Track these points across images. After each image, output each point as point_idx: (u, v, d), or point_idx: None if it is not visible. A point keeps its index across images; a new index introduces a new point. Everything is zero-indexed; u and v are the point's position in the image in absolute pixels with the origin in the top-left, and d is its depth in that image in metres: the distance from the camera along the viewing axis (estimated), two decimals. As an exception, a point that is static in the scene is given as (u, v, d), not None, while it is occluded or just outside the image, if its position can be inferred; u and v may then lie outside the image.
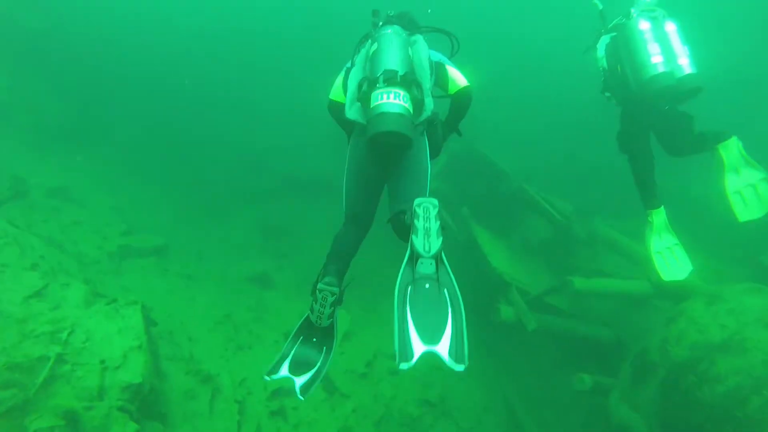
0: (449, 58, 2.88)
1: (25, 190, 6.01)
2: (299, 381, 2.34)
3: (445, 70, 2.71)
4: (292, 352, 2.43)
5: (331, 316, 2.44)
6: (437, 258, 2.17)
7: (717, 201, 4.34)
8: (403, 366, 1.86)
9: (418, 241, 2.17)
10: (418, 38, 2.72)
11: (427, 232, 2.20)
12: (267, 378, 2.32)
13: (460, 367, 1.84)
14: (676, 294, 4.92)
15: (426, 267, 2.15)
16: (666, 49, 3.93)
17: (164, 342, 4.08)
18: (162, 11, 13.29)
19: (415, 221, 2.24)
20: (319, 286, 2.40)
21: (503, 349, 5.67)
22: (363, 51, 2.68)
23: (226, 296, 5.64)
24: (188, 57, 12.26)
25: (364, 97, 2.38)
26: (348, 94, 2.61)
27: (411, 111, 2.33)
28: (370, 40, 2.65)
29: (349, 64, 2.75)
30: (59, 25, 10.26)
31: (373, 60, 2.47)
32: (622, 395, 4.32)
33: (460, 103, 2.70)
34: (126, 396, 2.93)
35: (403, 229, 2.42)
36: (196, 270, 5.97)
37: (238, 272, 6.26)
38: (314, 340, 2.51)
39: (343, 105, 2.64)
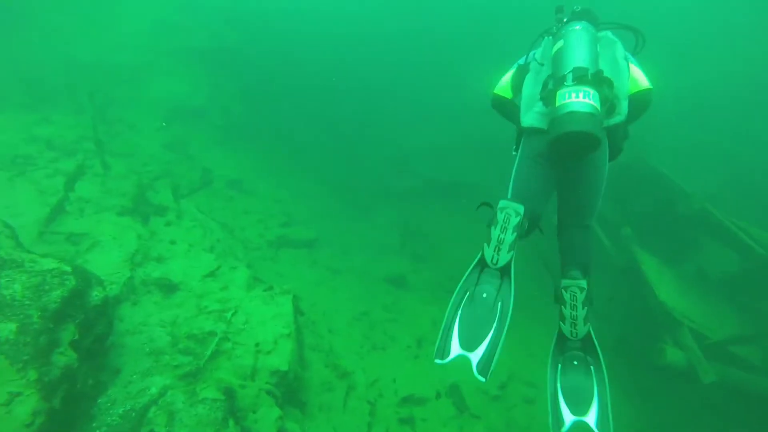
0: (633, 56, 2.56)
1: (210, 180, 7.01)
2: (475, 358, 2.08)
3: (627, 68, 2.43)
4: (458, 318, 2.19)
5: (513, 246, 2.23)
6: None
7: None
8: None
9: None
10: (608, 34, 2.50)
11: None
12: (439, 362, 2.11)
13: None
14: None
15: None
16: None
17: (308, 331, 4.33)
18: (323, 22, 14.41)
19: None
20: (502, 203, 2.28)
21: (660, 398, 4.84)
22: (543, 48, 2.54)
23: (365, 293, 5.82)
24: (352, 60, 13.08)
25: (549, 95, 2.24)
26: (524, 95, 2.47)
27: (600, 111, 2.16)
28: (552, 37, 2.48)
29: (522, 61, 2.61)
30: (249, 41, 11.81)
31: (559, 57, 2.30)
32: None
33: (637, 105, 2.41)
34: (274, 380, 3.14)
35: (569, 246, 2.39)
36: (341, 264, 6.28)
37: (377, 270, 6.44)
38: (485, 295, 2.24)
39: (508, 100, 2.57)
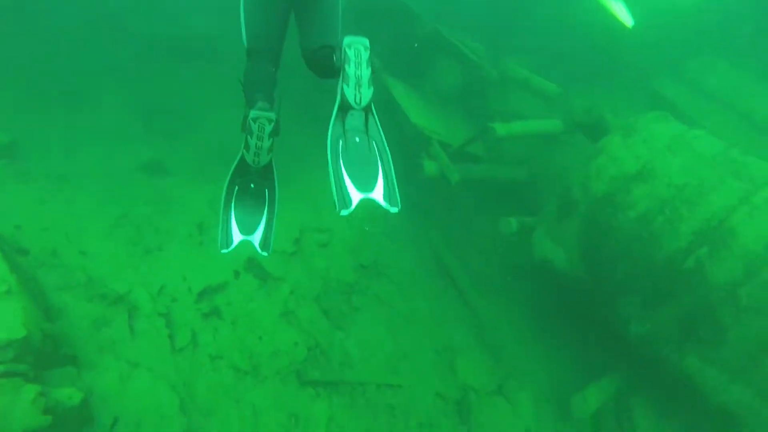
0: None
1: None
2: (256, 239, 2.31)
3: None
4: (233, 210, 2.33)
5: (271, 149, 2.29)
6: (367, 110, 2.24)
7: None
8: (344, 212, 2.08)
9: (349, 91, 2.17)
10: None
11: (359, 81, 2.18)
12: (224, 251, 2.30)
13: (394, 209, 2.12)
14: (591, 128, 5.04)
15: (356, 120, 2.22)
16: None
17: (47, 269, 3.38)
18: None
19: (346, 67, 2.17)
20: (252, 114, 2.18)
21: (429, 205, 5.68)
22: None
23: (116, 193, 4.80)
24: None
25: None
26: None
27: None
28: None
29: None
30: None
31: None
32: (546, 232, 4.59)
33: None
34: (9, 357, 2.38)
35: (324, 66, 2.35)
36: (68, 169, 4.91)
37: (122, 163, 5.30)
38: (252, 186, 2.38)
39: None
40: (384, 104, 6.22)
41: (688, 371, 3.59)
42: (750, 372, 3.35)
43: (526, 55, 7.58)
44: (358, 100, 2.20)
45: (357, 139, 2.21)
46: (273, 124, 2.20)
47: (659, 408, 3.92)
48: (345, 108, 2.21)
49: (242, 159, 2.29)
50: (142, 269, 3.86)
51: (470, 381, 4.03)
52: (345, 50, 2.18)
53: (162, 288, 3.76)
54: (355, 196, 2.10)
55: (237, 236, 2.27)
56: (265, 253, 2.28)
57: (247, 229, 2.30)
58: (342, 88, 2.19)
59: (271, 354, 3.64)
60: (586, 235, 4.22)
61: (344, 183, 2.12)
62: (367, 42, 2.22)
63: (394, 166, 2.25)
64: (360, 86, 2.18)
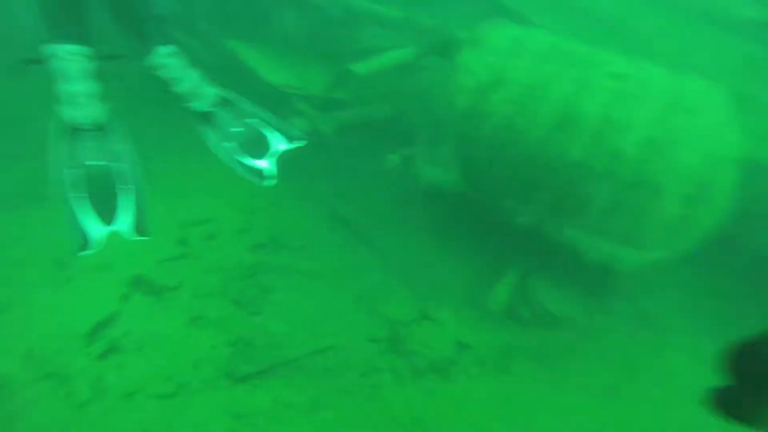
0: None
1: None
2: (123, 224, 1.94)
3: None
4: (77, 198, 1.90)
5: (99, 97, 1.89)
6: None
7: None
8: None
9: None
10: None
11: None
12: (86, 254, 1.88)
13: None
14: (443, 48, 5.16)
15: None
16: None
17: None
18: None
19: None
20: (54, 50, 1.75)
21: (311, 162, 5.52)
22: None
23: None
24: None
25: None
26: None
27: None
28: None
29: None
30: None
31: None
32: (424, 157, 4.74)
33: None
34: None
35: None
36: None
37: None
38: (92, 153, 1.92)
39: None
40: (233, 70, 5.78)
41: (566, 241, 4.11)
42: (610, 226, 3.91)
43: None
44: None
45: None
46: (87, 59, 1.80)
47: (554, 279, 4.46)
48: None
49: (69, 132, 1.86)
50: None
51: (395, 316, 4.19)
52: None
53: (31, 349, 3.26)
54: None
55: (96, 230, 1.86)
56: (144, 238, 2.00)
57: (107, 215, 1.92)
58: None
59: (192, 367, 3.42)
60: (459, 151, 4.44)
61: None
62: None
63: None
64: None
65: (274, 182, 2.07)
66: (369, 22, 6.45)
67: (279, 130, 2.34)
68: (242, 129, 2.23)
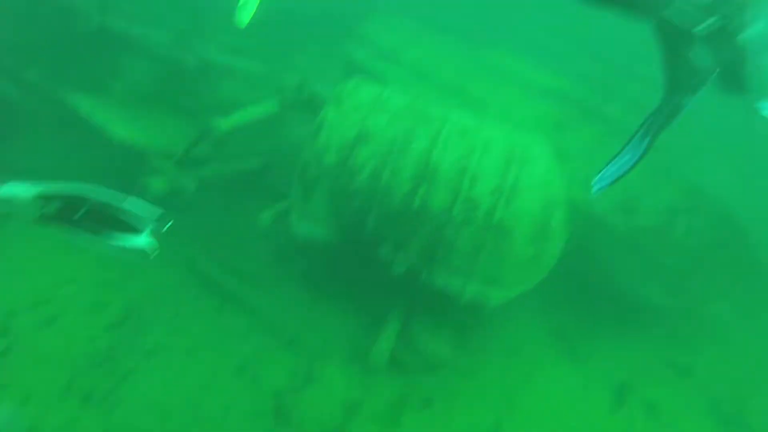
0: None
1: None
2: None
3: None
4: None
5: None
6: None
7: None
8: None
9: None
10: None
11: None
12: None
13: None
14: (306, 103, 5.25)
15: None
16: None
17: None
18: None
19: None
20: None
21: (175, 223, 5.09)
22: None
23: None
24: None
25: None
26: None
27: None
28: None
29: None
30: None
31: None
32: (299, 213, 4.68)
33: None
34: None
35: None
36: None
37: None
38: None
39: None
40: (74, 128, 5.17)
41: (439, 285, 4.34)
42: (475, 269, 4.24)
43: (226, 37, 7.28)
44: None
45: None
46: None
47: (432, 324, 4.66)
48: None
49: None
50: None
51: (279, 384, 3.97)
52: None
53: None
54: None
55: None
56: None
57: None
58: None
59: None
60: (333, 205, 4.49)
61: None
62: None
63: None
64: None
65: (157, 252, 1.94)
66: (229, 75, 6.34)
67: (137, 206, 2.15)
68: (103, 216, 2.02)
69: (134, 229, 2.20)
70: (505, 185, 4.04)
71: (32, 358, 3.62)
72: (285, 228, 4.69)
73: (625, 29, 3.55)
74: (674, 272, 5.20)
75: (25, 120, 5.47)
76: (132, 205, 2.18)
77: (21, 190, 1.93)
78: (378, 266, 4.48)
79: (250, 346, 4.29)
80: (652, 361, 5.05)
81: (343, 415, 3.81)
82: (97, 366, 3.74)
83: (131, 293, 4.43)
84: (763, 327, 5.76)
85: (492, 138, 4.27)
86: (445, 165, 4.16)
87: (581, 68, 6.97)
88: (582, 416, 4.26)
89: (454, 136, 4.28)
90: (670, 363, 5.09)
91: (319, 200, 4.51)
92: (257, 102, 5.43)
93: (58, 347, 3.77)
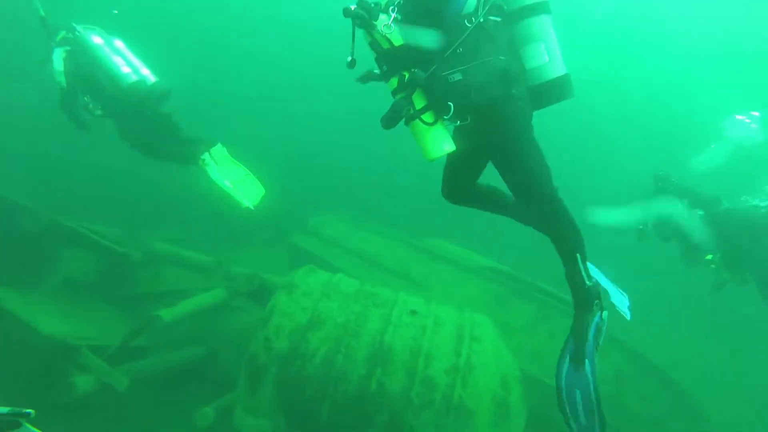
0: None
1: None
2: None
3: None
4: None
5: None
6: None
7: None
8: None
9: None
10: None
11: None
12: None
13: None
14: (254, 292, 5.31)
15: None
16: (128, 62, 4.82)
17: None
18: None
19: None
20: None
21: (99, 429, 4.45)
22: None
23: None
24: None
25: None
26: None
27: None
28: None
29: None
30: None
31: None
32: (245, 407, 4.31)
33: None
34: None
35: None
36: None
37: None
38: None
39: None
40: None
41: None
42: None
43: (171, 229, 7.53)
44: None
45: None
46: None
47: None
48: None
49: None
50: None
51: None
52: None
53: None
54: None
55: None
56: None
57: None
58: None
59: None
60: (283, 395, 4.22)
61: None
62: None
63: None
64: None
65: None
66: (173, 266, 6.40)
67: None
68: None
69: None
70: (460, 363, 4.11)
71: None
72: (228, 427, 4.25)
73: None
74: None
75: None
76: None
77: None
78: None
79: None
80: None
81: None
82: None
83: None
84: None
85: (440, 316, 4.48)
86: (399, 345, 4.21)
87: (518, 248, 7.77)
88: None
89: (404, 317, 4.44)
90: None
91: (268, 391, 4.24)
92: (203, 291, 5.44)
93: None
